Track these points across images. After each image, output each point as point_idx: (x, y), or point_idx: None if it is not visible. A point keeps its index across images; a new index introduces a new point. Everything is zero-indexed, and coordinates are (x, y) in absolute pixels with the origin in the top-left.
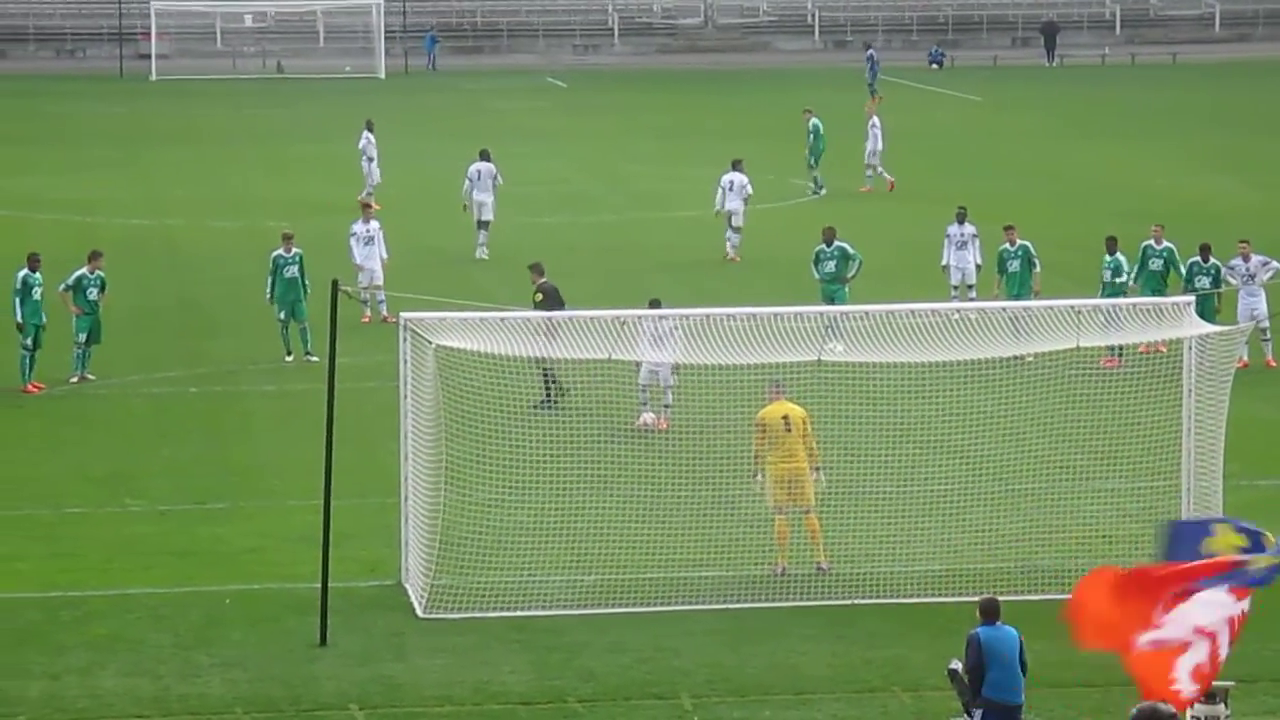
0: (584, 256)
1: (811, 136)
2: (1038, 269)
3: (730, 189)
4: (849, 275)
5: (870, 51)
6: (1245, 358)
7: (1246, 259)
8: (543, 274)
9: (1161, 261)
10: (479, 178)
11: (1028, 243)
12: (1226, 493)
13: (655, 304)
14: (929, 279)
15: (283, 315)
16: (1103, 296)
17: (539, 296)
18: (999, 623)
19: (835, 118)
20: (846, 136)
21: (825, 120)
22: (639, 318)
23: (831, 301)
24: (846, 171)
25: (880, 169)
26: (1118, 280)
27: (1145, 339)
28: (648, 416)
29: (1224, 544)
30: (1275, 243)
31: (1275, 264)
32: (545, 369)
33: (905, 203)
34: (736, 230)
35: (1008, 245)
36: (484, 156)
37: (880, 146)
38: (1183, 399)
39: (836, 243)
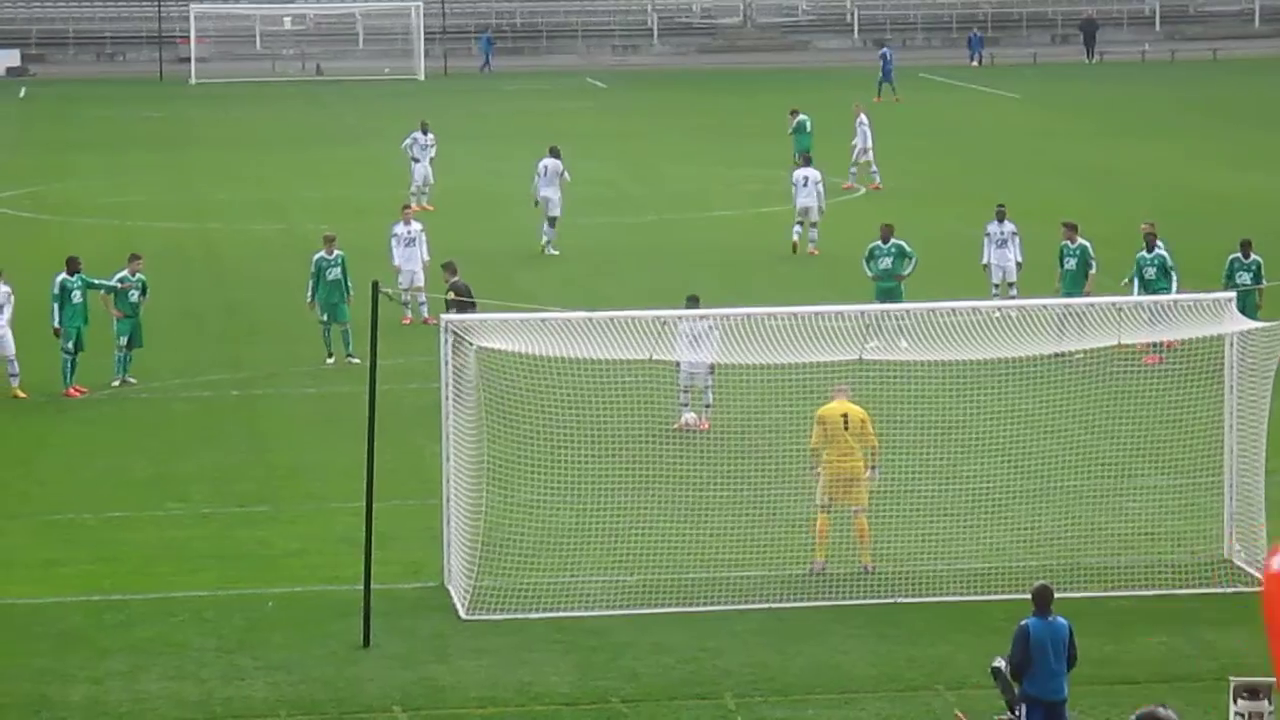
0: (624, 257)
1: (796, 134)
2: (1093, 270)
3: (804, 184)
4: (905, 273)
5: (884, 50)
6: None
7: None
8: (455, 272)
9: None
10: (546, 174)
11: (1086, 242)
12: (1269, 489)
13: (693, 300)
14: (970, 277)
15: (325, 318)
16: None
17: (451, 295)
18: (1051, 613)
19: (876, 114)
20: (883, 135)
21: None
22: (677, 318)
23: (888, 298)
24: (890, 169)
25: (873, 168)
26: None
27: (1187, 335)
28: (689, 417)
29: None
30: None
31: None
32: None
33: (945, 201)
34: (814, 225)
35: (1067, 243)
36: (553, 153)
37: (870, 144)
38: (1225, 395)
39: (894, 240)
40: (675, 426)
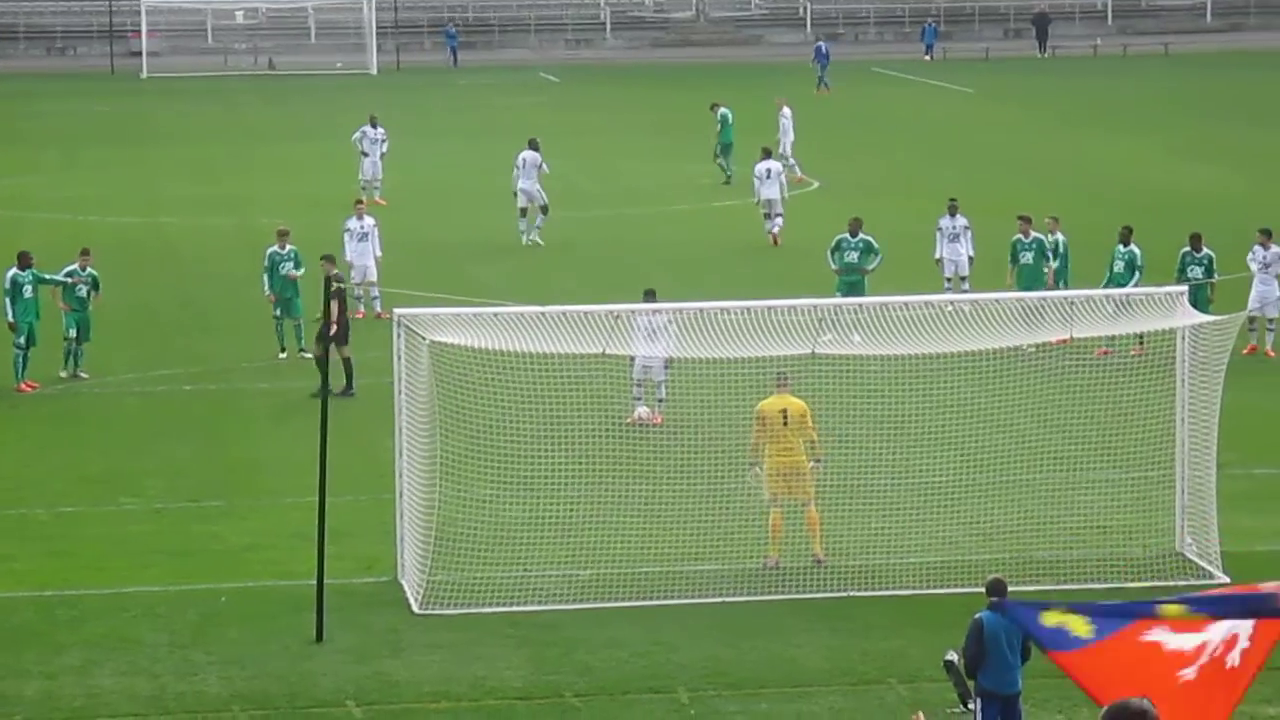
0: (579, 251)
1: (720, 127)
2: (1052, 264)
3: (767, 176)
4: (870, 267)
5: (820, 44)
6: (1255, 343)
7: (1266, 248)
8: (333, 263)
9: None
10: (525, 166)
11: (1042, 236)
12: (1221, 482)
13: (649, 294)
14: (922, 272)
15: (278, 312)
16: (1110, 285)
17: (334, 286)
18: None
19: (829, 109)
20: (834, 129)
21: (814, 113)
22: (632, 312)
23: (852, 291)
24: (842, 164)
25: (790, 160)
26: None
27: (1138, 329)
28: (642, 411)
29: (1056, 619)
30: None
31: None
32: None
33: (897, 195)
34: (779, 215)
35: (1021, 237)
36: (532, 146)
37: (792, 138)
38: (1176, 389)
39: (862, 235)
40: (629, 421)
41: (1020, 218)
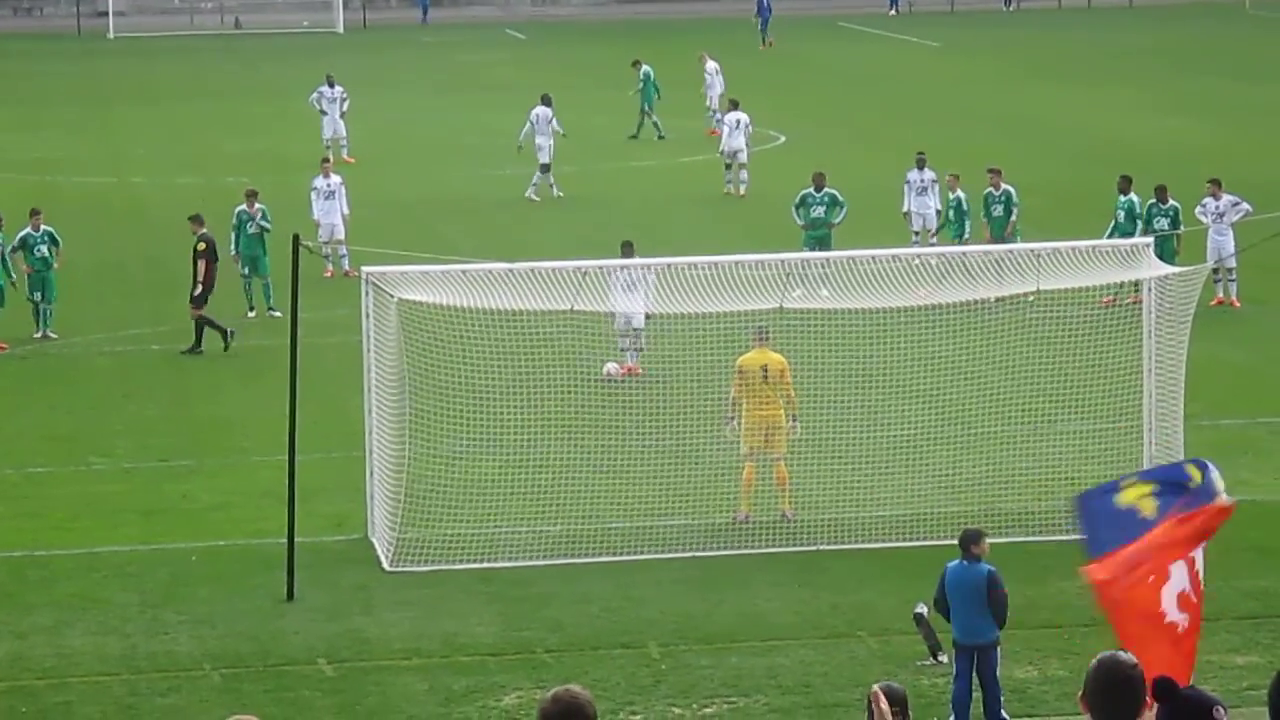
0: (545, 208)
1: (642, 84)
2: (1014, 216)
3: (737, 127)
4: (836, 221)
5: None
6: (1220, 294)
7: (1217, 198)
8: (203, 224)
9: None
10: (538, 121)
11: (1011, 188)
12: (1188, 433)
13: (628, 246)
14: (890, 225)
15: (245, 271)
16: (1115, 236)
17: (201, 246)
18: (975, 557)
19: (795, 63)
20: (801, 83)
21: (780, 67)
22: (603, 267)
23: (819, 246)
24: (809, 118)
25: (716, 115)
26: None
27: (1105, 281)
28: (611, 367)
29: (1133, 495)
30: (1232, 185)
31: (1246, 205)
32: (208, 319)
33: (865, 149)
34: (743, 166)
35: (992, 190)
36: (544, 101)
37: (719, 91)
38: (1143, 341)
39: (827, 189)
40: (602, 376)
41: (990, 170)
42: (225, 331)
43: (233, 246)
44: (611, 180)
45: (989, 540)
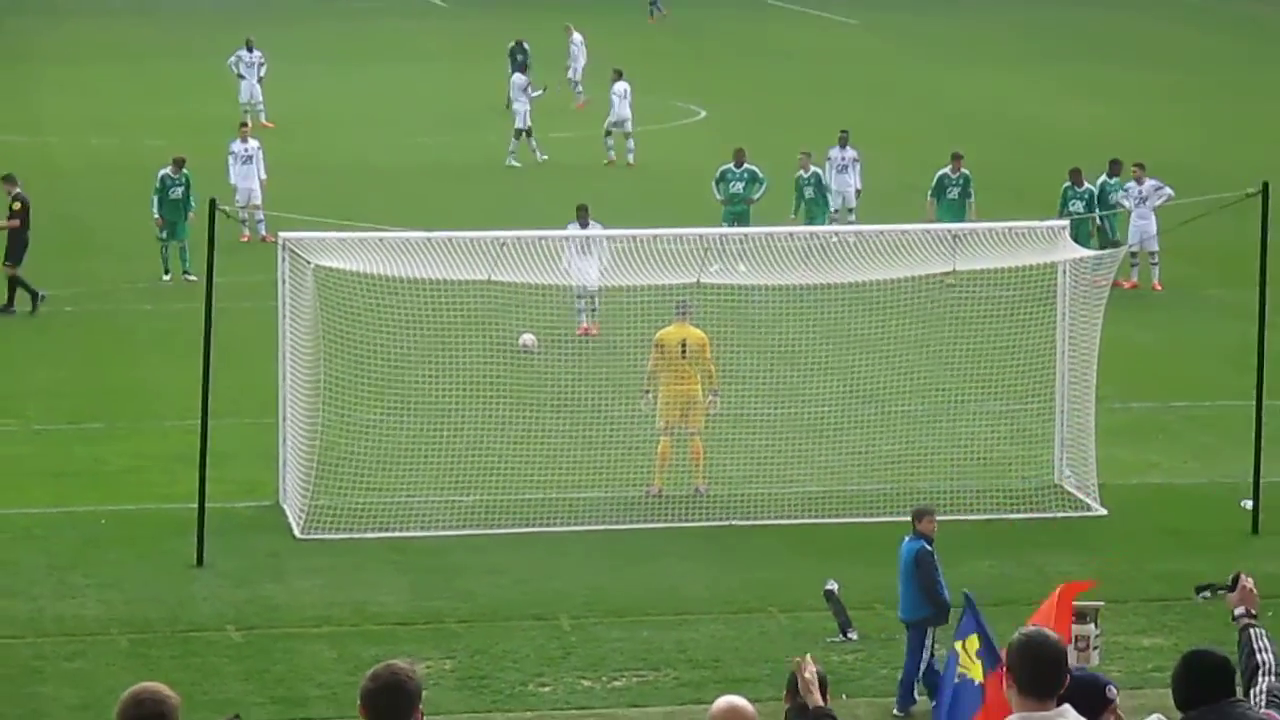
0: (465, 177)
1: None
2: (972, 199)
3: (625, 97)
4: (755, 197)
5: None
6: (1135, 278)
7: (1140, 182)
8: (16, 184)
9: (959, 190)
10: (513, 88)
11: (968, 173)
12: (1100, 415)
13: (583, 210)
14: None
15: (164, 235)
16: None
17: (16, 205)
18: (917, 535)
19: (718, 38)
20: (724, 59)
21: (702, 42)
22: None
23: (738, 222)
24: (729, 94)
25: (578, 87)
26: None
27: (1020, 263)
28: (527, 338)
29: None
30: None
31: (1168, 190)
32: (20, 279)
33: (785, 126)
34: (629, 135)
35: (949, 172)
36: (518, 67)
37: (583, 63)
38: (1057, 323)
39: (746, 165)
40: (582, 331)
41: (954, 155)
42: (36, 295)
43: (155, 210)
44: (529, 150)
45: (937, 518)
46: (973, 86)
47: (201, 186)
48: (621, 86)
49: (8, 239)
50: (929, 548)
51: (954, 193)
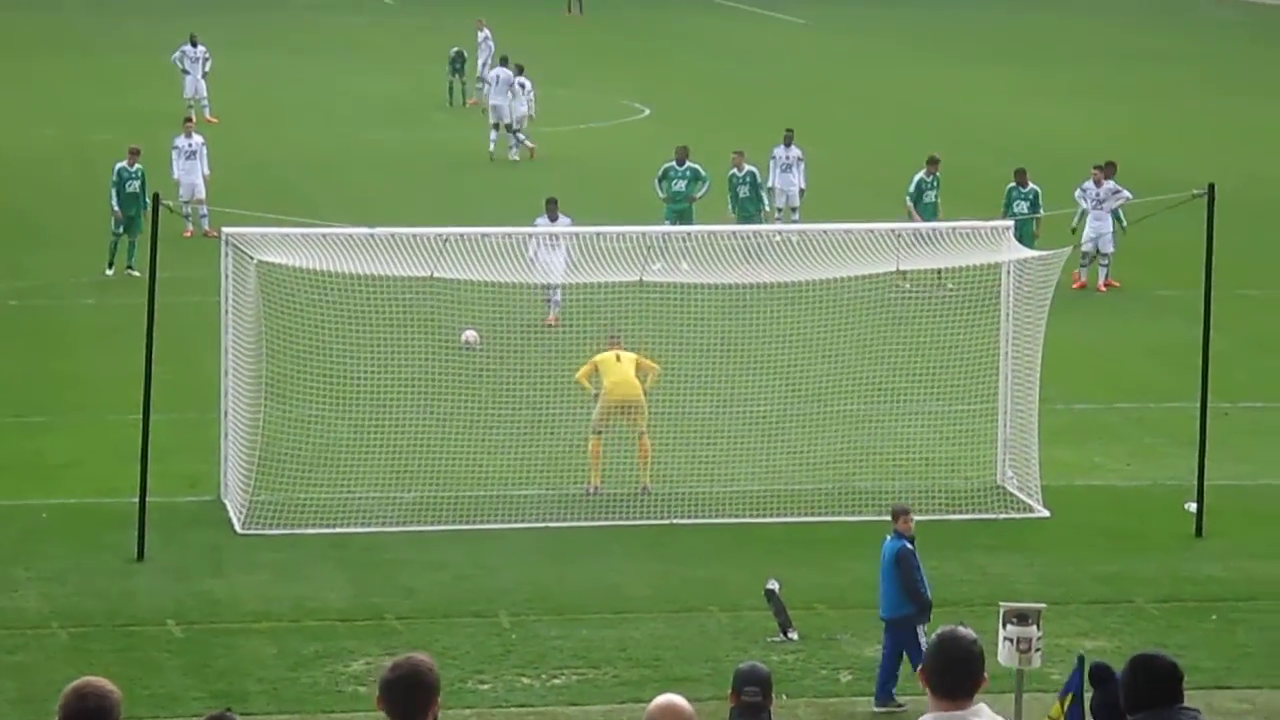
0: (411, 172)
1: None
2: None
3: (522, 91)
4: (697, 195)
5: None
6: (1084, 278)
7: (1098, 184)
8: None
9: (934, 193)
10: (497, 83)
11: (935, 176)
12: (1043, 416)
13: (552, 203)
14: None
15: (119, 230)
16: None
17: None
18: (896, 534)
19: (662, 36)
20: (669, 56)
21: (647, 40)
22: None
23: (681, 220)
24: (674, 92)
25: (481, 85)
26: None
27: (964, 263)
28: (469, 335)
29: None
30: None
31: (1126, 193)
32: None
33: (729, 124)
34: (515, 130)
35: (925, 176)
36: (503, 63)
37: (484, 59)
38: (1000, 323)
39: (689, 163)
40: (547, 322)
41: (930, 159)
42: None
43: (114, 202)
44: (474, 146)
45: (914, 517)
46: (920, 86)
47: (163, 181)
48: (518, 81)
49: None
50: (909, 546)
51: (931, 195)
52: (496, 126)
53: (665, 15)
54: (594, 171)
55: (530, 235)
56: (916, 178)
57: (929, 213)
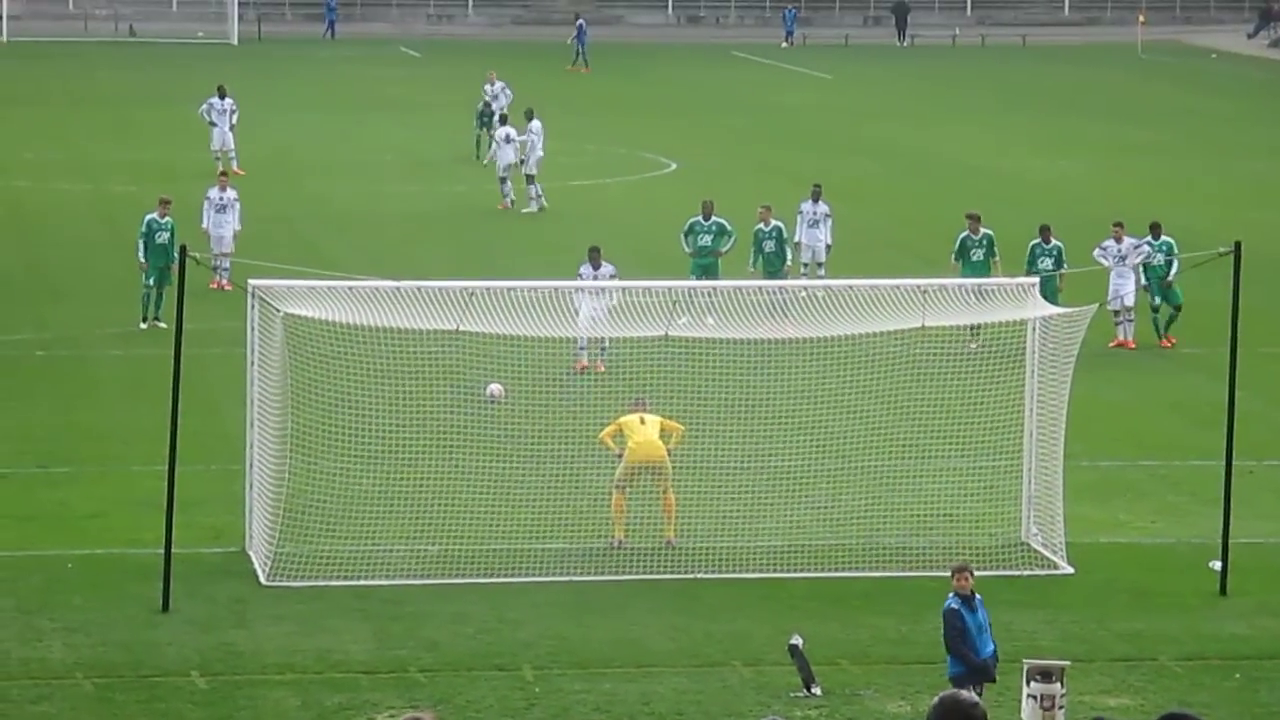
0: (435, 226)
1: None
2: (997, 258)
3: (507, 142)
4: (724, 250)
5: (580, 20)
6: (1120, 336)
7: (1119, 240)
8: None
9: (983, 251)
10: (506, 140)
11: (990, 232)
12: (1068, 473)
13: (595, 251)
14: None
15: (151, 281)
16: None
17: None
18: (953, 591)
19: (688, 91)
20: (696, 111)
21: (672, 95)
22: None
23: (706, 274)
24: (701, 147)
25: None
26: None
27: (990, 319)
28: (494, 388)
29: None
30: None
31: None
32: None
33: (752, 179)
34: (505, 179)
35: (970, 234)
36: (528, 115)
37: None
38: (1025, 379)
39: (715, 218)
40: (597, 369)
41: (969, 215)
42: None
43: (141, 254)
44: (497, 200)
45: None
46: (944, 140)
47: (191, 232)
48: (503, 132)
49: None
50: (954, 606)
51: (979, 254)
52: (504, 180)
53: (691, 69)
54: (619, 226)
55: (573, 290)
56: (960, 236)
57: (978, 271)
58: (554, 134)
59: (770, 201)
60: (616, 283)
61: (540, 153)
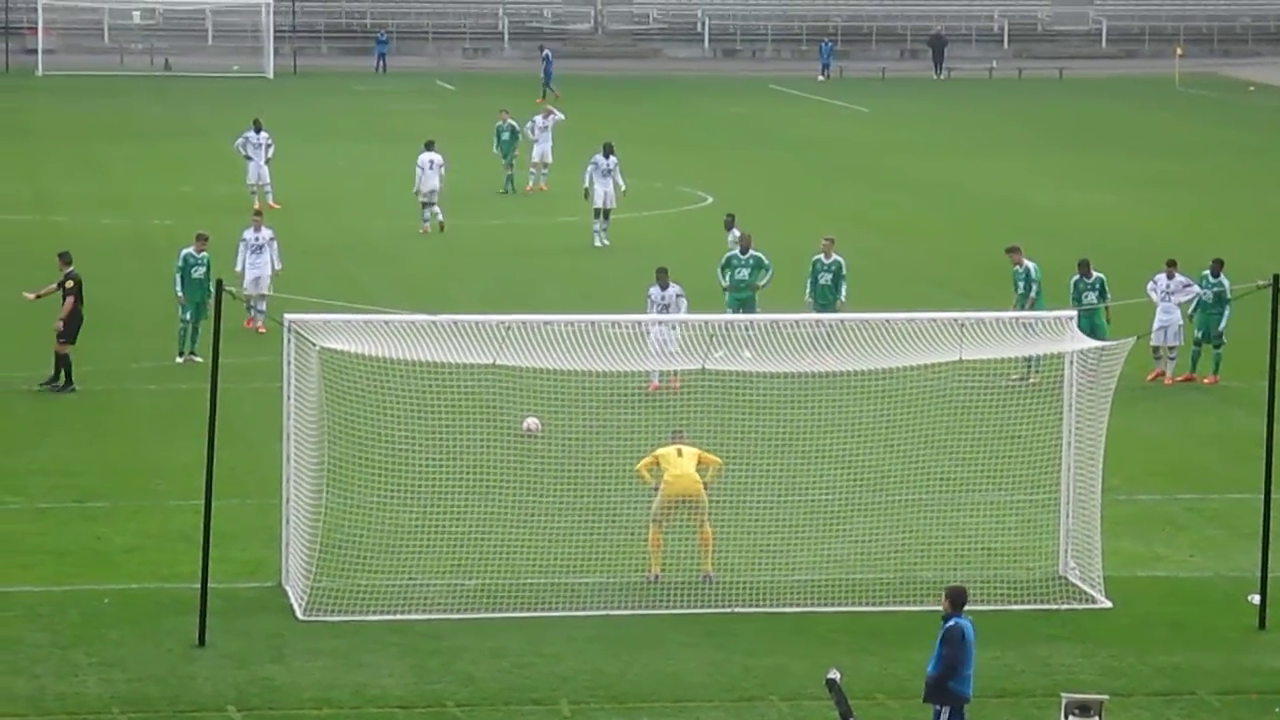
0: (469, 259)
1: (506, 135)
2: (1034, 291)
3: (430, 168)
4: (761, 284)
5: (546, 52)
6: (1161, 369)
7: (1170, 277)
8: (70, 263)
9: (1023, 284)
10: (595, 168)
11: (1031, 264)
12: (1105, 507)
13: (662, 272)
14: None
15: (188, 315)
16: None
17: (70, 284)
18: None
19: (724, 125)
20: (732, 145)
21: (709, 129)
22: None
23: (743, 308)
24: (736, 181)
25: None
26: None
27: (1028, 353)
28: (531, 422)
29: None
30: (1156, 260)
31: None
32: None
33: (792, 212)
34: (431, 204)
35: (1017, 268)
36: (606, 150)
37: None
38: (1063, 413)
39: (752, 251)
40: (650, 388)
41: (1010, 250)
42: (68, 383)
43: (178, 288)
44: (537, 234)
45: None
46: (981, 174)
47: (223, 269)
48: (426, 158)
49: (66, 318)
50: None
51: (1023, 287)
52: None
53: (727, 103)
54: (655, 259)
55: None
56: (1013, 269)
57: (1018, 302)
58: (583, 166)
59: (816, 236)
60: (656, 316)
61: (623, 185)
